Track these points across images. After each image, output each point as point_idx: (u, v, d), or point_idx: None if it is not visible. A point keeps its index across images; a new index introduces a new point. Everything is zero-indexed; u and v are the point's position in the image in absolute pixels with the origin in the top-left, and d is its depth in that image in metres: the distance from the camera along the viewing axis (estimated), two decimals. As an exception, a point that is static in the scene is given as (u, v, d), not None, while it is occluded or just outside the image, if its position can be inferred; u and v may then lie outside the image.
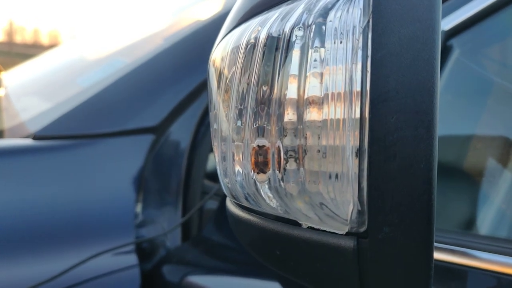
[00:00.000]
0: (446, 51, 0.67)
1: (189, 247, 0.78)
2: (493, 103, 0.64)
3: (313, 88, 0.27)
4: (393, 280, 0.25)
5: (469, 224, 0.62)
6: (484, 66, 0.68)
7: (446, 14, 0.67)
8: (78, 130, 0.78)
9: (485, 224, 0.61)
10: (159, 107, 0.81)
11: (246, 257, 0.72)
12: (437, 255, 0.53)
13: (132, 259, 0.72)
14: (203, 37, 0.92)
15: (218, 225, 0.79)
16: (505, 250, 0.52)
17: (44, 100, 0.99)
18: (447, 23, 0.67)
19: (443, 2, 0.68)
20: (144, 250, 0.75)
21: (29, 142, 0.75)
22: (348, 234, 0.28)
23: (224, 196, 0.81)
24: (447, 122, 0.66)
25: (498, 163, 0.63)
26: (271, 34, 0.30)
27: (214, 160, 0.93)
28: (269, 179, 0.31)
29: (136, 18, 1.64)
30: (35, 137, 0.76)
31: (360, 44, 0.26)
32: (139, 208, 0.76)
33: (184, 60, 0.86)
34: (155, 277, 0.74)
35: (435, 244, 0.54)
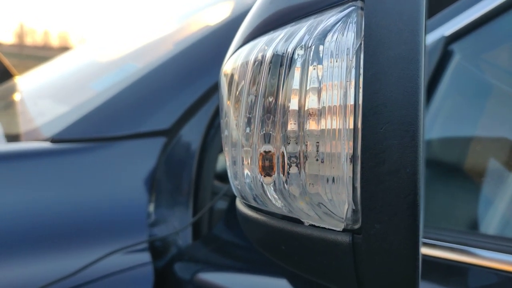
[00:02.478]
0: (446, 55, 0.69)
1: (200, 246, 0.81)
2: (492, 104, 0.66)
3: (312, 102, 0.31)
4: (384, 270, 0.29)
5: (471, 223, 0.65)
6: (483, 69, 0.70)
7: (445, 20, 0.70)
8: (93, 133, 0.82)
9: (486, 223, 0.64)
10: (171, 110, 0.84)
11: (254, 255, 0.75)
12: (438, 253, 0.56)
13: (146, 257, 0.75)
14: (212, 43, 0.95)
15: (227, 225, 0.82)
16: (505, 249, 0.54)
17: (60, 104, 1.03)
18: (447, 29, 0.70)
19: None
20: (156, 248, 0.78)
21: (47, 145, 0.79)
22: (344, 230, 0.32)
23: (233, 197, 0.84)
24: (448, 123, 0.68)
25: (497, 164, 0.65)
26: (276, 52, 0.33)
27: (224, 162, 0.96)
28: (274, 181, 0.34)
29: (146, 22, 1.68)
30: (53, 140, 0.80)
31: (354, 64, 0.29)
32: (151, 208, 0.79)
33: (193, 66, 0.89)
34: (167, 274, 0.77)
35: (436, 242, 0.56)
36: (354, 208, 0.30)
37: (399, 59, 0.26)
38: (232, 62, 0.37)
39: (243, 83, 0.35)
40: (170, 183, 0.82)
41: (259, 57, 0.34)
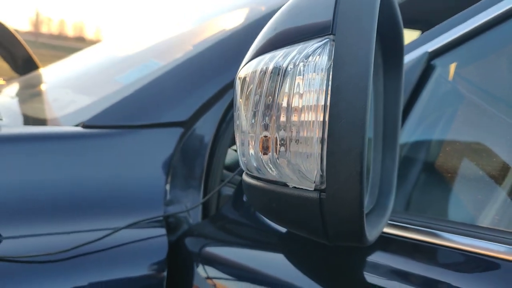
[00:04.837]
0: (429, 69, 0.80)
1: (208, 224, 0.92)
2: (464, 113, 0.77)
3: (296, 102, 0.45)
4: (341, 217, 0.42)
5: (439, 210, 0.76)
6: (461, 83, 0.81)
7: (430, 39, 0.81)
8: (120, 121, 0.94)
9: (451, 212, 0.75)
10: (188, 104, 0.96)
11: (256, 233, 0.86)
12: (408, 234, 0.67)
13: (161, 230, 0.87)
14: (226, 47, 1.07)
15: (233, 206, 0.93)
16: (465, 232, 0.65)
17: (88, 95, 1.15)
18: (431, 46, 0.80)
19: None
20: (170, 224, 0.90)
21: (79, 129, 0.91)
22: (315, 190, 0.45)
23: (238, 184, 0.95)
24: (426, 128, 0.79)
25: (467, 165, 0.76)
26: (275, 66, 0.47)
27: (231, 155, 1.08)
28: (270, 157, 0.48)
29: (167, 19, 1.79)
30: (84, 125, 0.92)
31: (325, 78, 0.42)
32: (168, 188, 0.91)
33: (209, 67, 1.01)
34: (179, 247, 0.89)
35: (406, 225, 0.68)
36: (321, 174, 0.44)
37: (354, 74, 0.39)
38: (245, 70, 0.50)
39: (252, 86, 0.49)
40: (185, 168, 0.94)
41: (264, 68, 0.48)
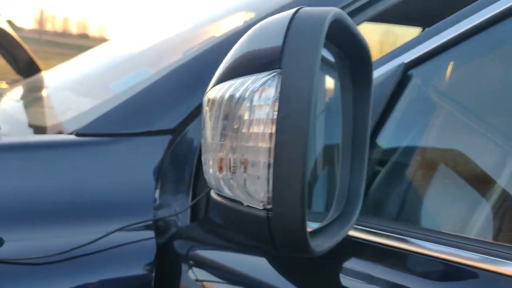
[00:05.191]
0: (405, 80, 0.84)
1: (196, 227, 0.97)
2: (438, 122, 0.81)
3: (245, 127, 0.50)
4: (285, 232, 0.47)
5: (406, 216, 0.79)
6: (436, 92, 0.85)
7: (406, 50, 0.84)
8: (111, 129, 0.98)
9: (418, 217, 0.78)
10: (177, 112, 1.00)
11: (241, 236, 0.90)
12: (375, 238, 0.71)
13: (150, 233, 0.91)
14: (213, 56, 1.11)
15: (219, 210, 0.97)
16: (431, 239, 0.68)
17: (83, 102, 1.19)
18: (407, 57, 0.84)
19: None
20: (159, 227, 0.94)
21: (72, 137, 0.95)
22: (264, 209, 0.49)
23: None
24: (401, 133, 0.83)
25: (440, 171, 0.79)
26: (231, 94, 0.52)
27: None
28: (224, 177, 0.52)
29: (169, 18, 1.83)
30: (78, 133, 0.96)
31: (272, 109, 0.47)
32: (157, 193, 0.95)
33: (196, 75, 1.05)
34: (167, 250, 0.93)
35: (373, 230, 0.71)
36: (268, 195, 0.49)
37: (295, 108, 0.45)
38: (210, 93, 0.55)
39: (213, 109, 0.53)
40: (174, 174, 0.98)
41: (223, 95, 0.53)
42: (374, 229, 0.71)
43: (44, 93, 1.55)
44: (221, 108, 0.51)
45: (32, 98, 1.52)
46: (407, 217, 0.79)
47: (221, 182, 0.52)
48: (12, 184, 0.84)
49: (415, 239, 0.69)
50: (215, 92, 0.53)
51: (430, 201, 0.77)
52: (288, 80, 0.45)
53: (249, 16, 1.31)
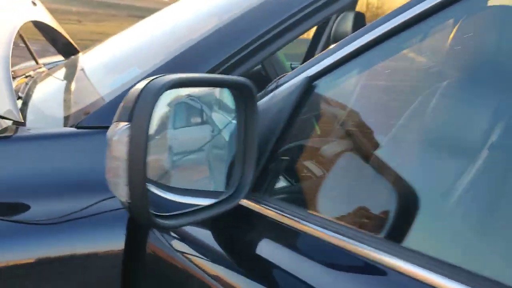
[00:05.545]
0: (310, 90, 1.05)
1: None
2: (335, 125, 1.02)
3: (112, 160, 0.75)
4: (137, 214, 0.79)
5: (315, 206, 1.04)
6: (338, 101, 1.06)
7: (310, 65, 1.05)
8: (108, 122, 1.27)
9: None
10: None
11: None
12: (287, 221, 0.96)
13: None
14: (194, 56, 1.35)
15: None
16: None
17: (92, 93, 1.50)
18: (312, 71, 1.05)
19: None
20: None
21: (73, 130, 1.26)
22: (126, 201, 0.78)
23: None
24: (304, 138, 1.06)
25: (329, 165, 1.02)
26: (107, 135, 0.78)
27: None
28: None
29: (152, 22, 2.04)
30: (78, 126, 1.27)
31: (126, 149, 0.74)
32: None
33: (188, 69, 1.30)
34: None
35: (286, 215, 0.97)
36: (128, 201, 0.76)
37: (135, 149, 0.71)
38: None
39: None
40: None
41: (108, 134, 0.80)
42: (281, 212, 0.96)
43: (69, 81, 1.88)
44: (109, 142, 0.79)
45: (57, 87, 1.85)
46: (304, 203, 1.04)
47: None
48: (21, 169, 1.17)
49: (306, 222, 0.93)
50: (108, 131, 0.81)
51: (322, 191, 1.01)
52: (132, 130, 0.74)
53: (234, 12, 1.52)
